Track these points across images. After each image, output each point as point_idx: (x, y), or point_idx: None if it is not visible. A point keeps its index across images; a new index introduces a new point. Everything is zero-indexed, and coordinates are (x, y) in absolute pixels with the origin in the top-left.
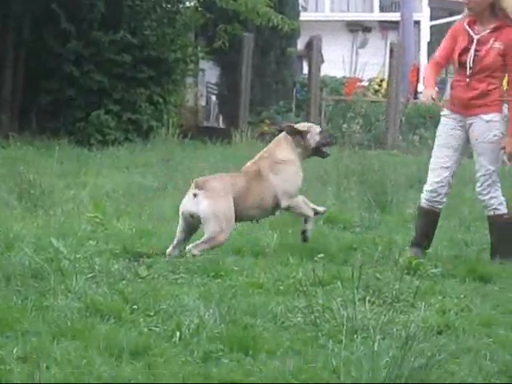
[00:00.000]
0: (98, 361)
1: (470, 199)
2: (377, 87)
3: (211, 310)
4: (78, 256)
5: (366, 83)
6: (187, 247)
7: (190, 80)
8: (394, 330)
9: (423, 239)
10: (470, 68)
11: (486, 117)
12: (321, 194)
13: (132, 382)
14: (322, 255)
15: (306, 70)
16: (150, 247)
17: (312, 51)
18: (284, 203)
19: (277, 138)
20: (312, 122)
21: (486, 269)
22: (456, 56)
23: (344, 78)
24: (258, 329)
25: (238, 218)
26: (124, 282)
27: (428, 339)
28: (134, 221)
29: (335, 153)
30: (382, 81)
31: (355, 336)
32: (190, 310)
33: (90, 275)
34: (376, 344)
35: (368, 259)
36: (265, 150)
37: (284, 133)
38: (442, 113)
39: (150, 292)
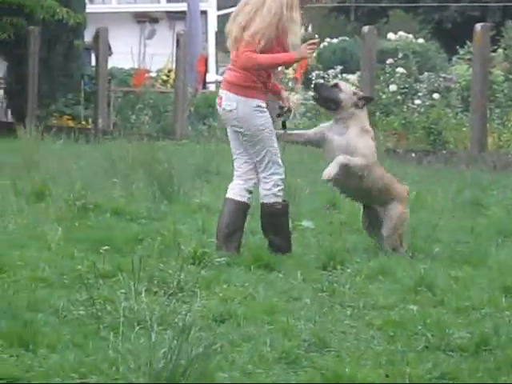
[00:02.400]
0: None
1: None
2: (165, 78)
3: None
4: None
5: (154, 74)
6: None
7: None
8: (176, 320)
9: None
10: None
11: None
12: (108, 186)
13: None
14: (107, 247)
15: (94, 62)
16: None
17: (99, 43)
18: None
19: None
20: (99, 115)
21: (271, 257)
22: None
23: (132, 69)
24: (38, 323)
25: None
26: None
27: (208, 328)
28: None
29: (123, 144)
30: (169, 71)
31: (135, 327)
32: None
33: None
34: (154, 334)
35: (152, 250)
36: None
37: None
38: (259, 103)
39: None
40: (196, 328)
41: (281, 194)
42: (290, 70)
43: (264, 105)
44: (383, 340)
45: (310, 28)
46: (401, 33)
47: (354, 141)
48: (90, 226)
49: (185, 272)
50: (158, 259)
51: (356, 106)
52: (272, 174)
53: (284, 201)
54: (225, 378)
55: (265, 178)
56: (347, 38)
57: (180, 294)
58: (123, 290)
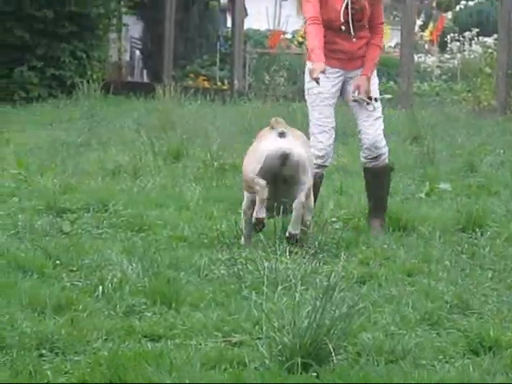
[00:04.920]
0: (20, 316)
1: (394, 150)
2: (301, 39)
3: (134, 264)
4: (0, 213)
5: (289, 36)
6: None
7: (113, 35)
8: (317, 280)
9: None
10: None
11: None
12: (244, 146)
13: (55, 336)
14: None
15: (229, 23)
16: (73, 203)
17: (235, 4)
18: None
19: None
20: (235, 76)
21: (409, 218)
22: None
23: (268, 30)
24: (181, 282)
25: None
26: (47, 237)
27: (350, 289)
28: (58, 177)
29: (259, 105)
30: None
31: (278, 287)
32: (113, 265)
33: (12, 232)
34: (298, 294)
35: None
36: None
37: None
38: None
39: (73, 247)
40: (339, 288)
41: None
42: (426, 33)
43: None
44: None
45: None
46: None
47: None
48: (227, 186)
49: (324, 233)
50: None
51: None
52: (311, 146)
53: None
54: (368, 338)
55: None
56: (484, 0)
57: (320, 255)
58: (264, 250)
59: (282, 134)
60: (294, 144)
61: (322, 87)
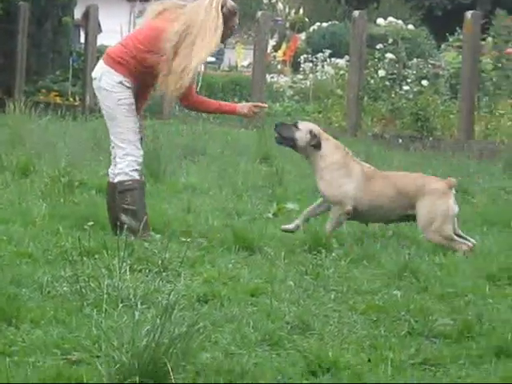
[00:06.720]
0: None
1: (243, 170)
2: None
3: None
4: None
5: None
6: None
7: None
8: (159, 299)
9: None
10: None
11: None
12: (93, 163)
13: None
14: (91, 223)
15: (83, 39)
16: None
17: (89, 20)
18: None
19: None
20: (87, 92)
21: (255, 238)
22: None
23: None
24: (22, 298)
25: None
26: None
27: (191, 308)
28: None
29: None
30: None
31: (119, 305)
32: None
33: None
34: (138, 313)
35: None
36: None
37: None
38: (118, 79)
39: None
40: (179, 307)
41: (134, 174)
42: (279, 53)
43: (128, 85)
44: (366, 325)
45: (301, 11)
46: (390, 18)
47: (321, 188)
48: (75, 203)
49: (169, 251)
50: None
51: (312, 145)
52: (126, 154)
53: (139, 180)
54: (207, 357)
55: (120, 157)
56: (337, 22)
57: (164, 273)
58: (107, 268)
59: None
60: None
61: (130, 98)
